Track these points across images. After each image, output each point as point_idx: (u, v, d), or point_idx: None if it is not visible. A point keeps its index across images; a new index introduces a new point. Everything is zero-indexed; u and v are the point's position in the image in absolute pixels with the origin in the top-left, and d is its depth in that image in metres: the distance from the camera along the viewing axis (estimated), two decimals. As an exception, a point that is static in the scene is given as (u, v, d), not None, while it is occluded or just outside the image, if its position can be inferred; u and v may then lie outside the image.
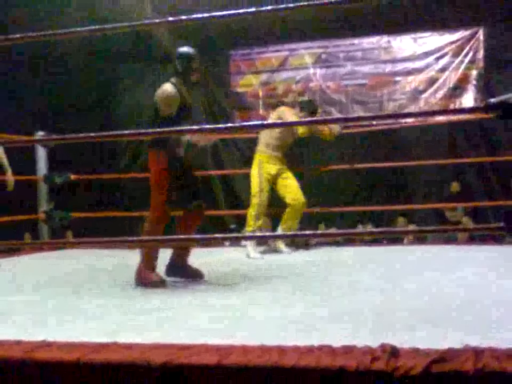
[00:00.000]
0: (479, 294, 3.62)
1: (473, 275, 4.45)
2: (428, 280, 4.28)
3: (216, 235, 5.54)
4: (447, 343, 2.16)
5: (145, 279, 4.43)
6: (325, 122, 7.27)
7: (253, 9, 2.51)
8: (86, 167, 8.64)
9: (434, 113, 7.22)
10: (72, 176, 7.98)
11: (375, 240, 8.15)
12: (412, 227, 8.58)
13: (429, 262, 5.41)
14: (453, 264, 5.16)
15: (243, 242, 6.76)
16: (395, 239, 8.22)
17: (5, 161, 6.55)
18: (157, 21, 3.22)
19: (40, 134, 7.41)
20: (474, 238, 7.84)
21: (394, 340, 2.23)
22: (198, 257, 5.08)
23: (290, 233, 6.20)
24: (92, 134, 2.87)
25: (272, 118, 6.74)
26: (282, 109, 6.72)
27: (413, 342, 2.24)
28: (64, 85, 9.44)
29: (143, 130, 4.00)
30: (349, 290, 3.94)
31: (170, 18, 2.97)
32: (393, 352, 2.08)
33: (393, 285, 4.12)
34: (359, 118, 5.94)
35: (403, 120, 8.33)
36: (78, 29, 2.78)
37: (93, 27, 2.78)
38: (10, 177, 6.55)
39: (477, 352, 2.05)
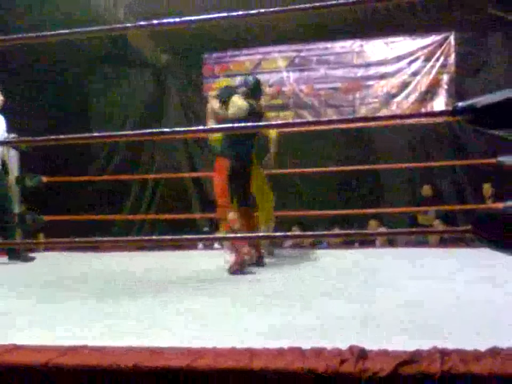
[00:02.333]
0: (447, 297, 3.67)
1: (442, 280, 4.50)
2: (401, 285, 4.32)
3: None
4: (415, 346, 2.19)
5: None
6: (299, 125, 7.28)
7: (225, 14, 2.52)
8: (60, 170, 8.58)
9: (403, 117, 7.27)
10: (45, 179, 7.92)
11: (347, 243, 8.20)
12: (382, 230, 8.64)
13: (402, 267, 5.45)
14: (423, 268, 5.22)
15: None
16: (367, 242, 8.27)
17: (10, 164, 6.97)
18: (129, 25, 3.22)
19: (11, 136, 7.35)
20: (445, 241, 7.92)
21: (362, 342, 2.25)
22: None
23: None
24: (70, 136, 2.86)
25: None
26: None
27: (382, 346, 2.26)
28: (37, 88, 9.38)
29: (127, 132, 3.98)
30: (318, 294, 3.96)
31: (143, 23, 2.97)
32: (362, 354, 2.10)
33: (365, 289, 4.15)
34: (330, 122, 5.96)
35: (375, 124, 8.40)
36: (51, 32, 2.78)
37: (66, 31, 2.77)
38: (12, 180, 7.13)
39: (444, 354, 2.07)
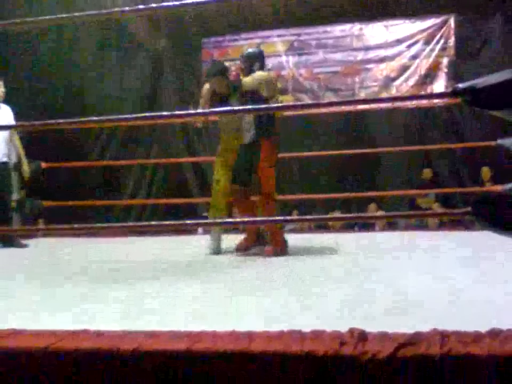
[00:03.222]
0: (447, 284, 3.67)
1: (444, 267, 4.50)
2: (399, 271, 4.32)
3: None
4: (415, 328, 2.19)
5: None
6: (303, 107, 7.26)
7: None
8: (58, 156, 8.57)
9: (403, 99, 7.27)
10: (44, 164, 7.91)
11: (346, 227, 8.21)
12: (381, 213, 8.65)
13: (401, 250, 5.46)
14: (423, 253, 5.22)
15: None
16: (367, 225, 8.29)
17: (21, 151, 7.07)
18: (127, 9, 3.19)
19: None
20: (444, 224, 7.93)
21: (363, 325, 2.25)
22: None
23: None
24: (71, 120, 2.85)
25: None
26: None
27: (382, 327, 2.26)
28: (33, 74, 9.35)
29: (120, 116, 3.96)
30: (320, 280, 3.96)
31: (141, 6, 2.95)
32: (362, 336, 2.10)
33: (364, 274, 4.15)
34: (331, 104, 5.96)
35: (375, 107, 8.39)
36: (47, 17, 2.76)
37: (63, 15, 2.75)
38: (26, 166, 7.09)
39: (443, 336, 2.07)
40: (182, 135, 10.38)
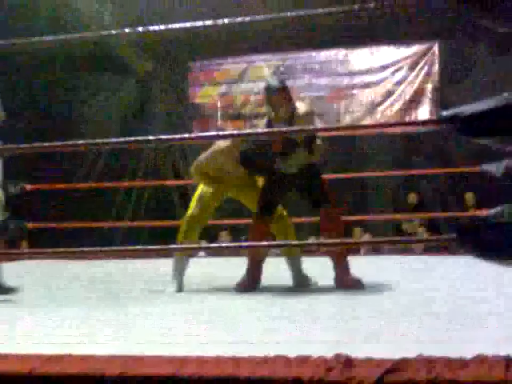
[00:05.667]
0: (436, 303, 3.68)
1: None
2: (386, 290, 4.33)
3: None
4: (402, 354, 2.19)
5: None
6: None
7: (209, 22, 2.52)
8: (44, 177, 8.53)
9: (388, 125, 7.32)
10: (29, 186, 7.86)
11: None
12: (366, 237, 8.67)
13: (385, 272, 5.47)
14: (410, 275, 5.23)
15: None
16: (352, 249, 8.28)
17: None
18: (114, 31, 3.19)
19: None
20: (429, 249, 7.95)
21: (349, 350, 2.25)
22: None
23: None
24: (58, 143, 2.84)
25: None
26: None
27: (369, 352, 2.26)
28: (21, 94, 9.34)
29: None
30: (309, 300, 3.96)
31: (128, 30, 2.96)
32: (347, 362, 2.10)
33: (352, 295, 4.16)
34: (316, 129, 5.98)
35: (360, 132, 8.44)
36: (36, 38, 2.76)
37: (51, 37, 2.76)
38: None
39: (430, 362, 2.07)
40: (169, 157, 10.37)
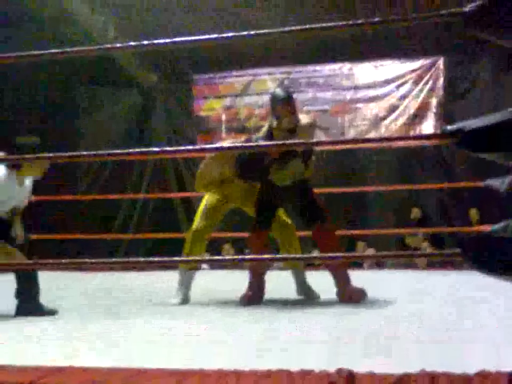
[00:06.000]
0: (439, 320, 3.66)
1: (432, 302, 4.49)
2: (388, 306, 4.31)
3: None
4: (404, 369, 2.18)
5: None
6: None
7: (214, 35, 2.52)
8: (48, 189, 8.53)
9: (392, 139, 7.32)
10: (33, 198, 7.85)
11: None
12: (371, 251, 8.65)
13: (389, 288, 5.45)
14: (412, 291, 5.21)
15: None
16: (355, 264, 8.26)
17: None
18: (119, 45, 3.21)
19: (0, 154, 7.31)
20: (433, 264, 7.92)
21: (351, 365, 2.24)
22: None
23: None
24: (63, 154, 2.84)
25: None
26: None
27: (370, 367, 2.25)
28: (24, 108, 9.38)
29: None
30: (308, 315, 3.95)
31: (133, 43, 2.97)
32: (350, 376, 2.09)
33: (353, 308, 4.14)
34: (321, 143, 5.98)
35: (364, 146, 8.44)
36: (39, 51, 2.77)
37: (55, 50, 2.76)
38: None
39: (433, 377, 2.06)
40: (173, 170, 10.38)
